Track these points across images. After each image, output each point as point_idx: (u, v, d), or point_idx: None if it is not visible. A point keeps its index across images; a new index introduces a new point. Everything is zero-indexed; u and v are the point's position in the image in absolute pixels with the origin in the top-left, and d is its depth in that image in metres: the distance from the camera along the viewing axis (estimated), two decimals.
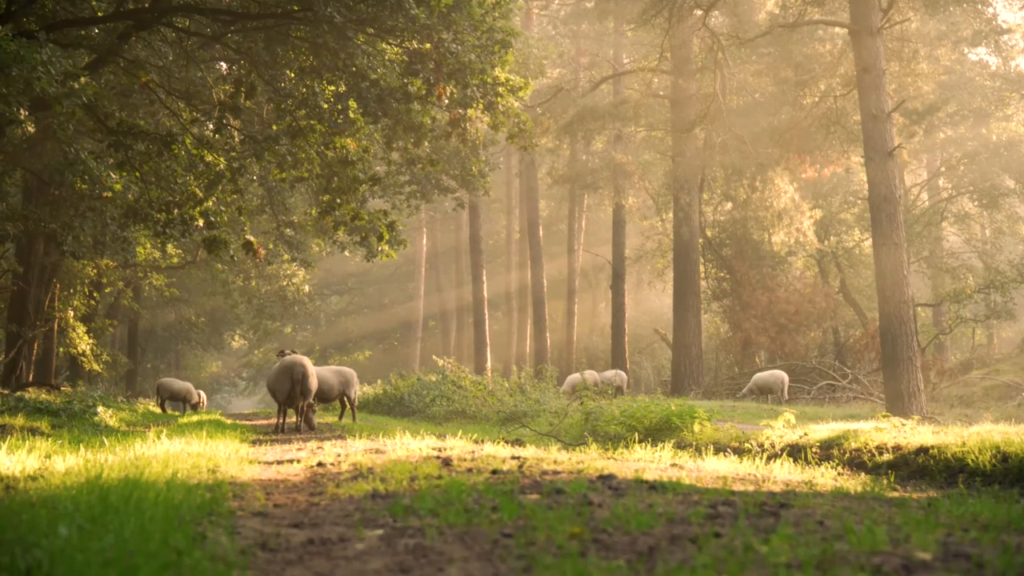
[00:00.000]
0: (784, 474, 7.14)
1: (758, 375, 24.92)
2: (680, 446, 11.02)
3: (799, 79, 25.62)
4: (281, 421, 13.68)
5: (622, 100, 31.28)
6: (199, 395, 26.44)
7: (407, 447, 7.98)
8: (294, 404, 13.48)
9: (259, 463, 7.25)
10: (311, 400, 13.52)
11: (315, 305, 47.56)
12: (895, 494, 6.52)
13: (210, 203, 15.20)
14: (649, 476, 5.78)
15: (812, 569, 3.11)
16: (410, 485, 5.37)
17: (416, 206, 26.49)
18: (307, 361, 13.55)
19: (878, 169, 18.73)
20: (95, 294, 27.90)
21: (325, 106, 14.40)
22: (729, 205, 32.54)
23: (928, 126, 31.30)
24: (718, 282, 33.26)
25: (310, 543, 3.78)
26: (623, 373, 29.53)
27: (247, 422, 17.67)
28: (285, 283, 37.11)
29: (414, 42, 13.92)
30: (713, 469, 6.87)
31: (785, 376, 24.24)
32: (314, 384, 13.49)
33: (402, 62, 14.35)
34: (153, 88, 15.19)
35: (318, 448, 8.75)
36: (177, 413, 24.07)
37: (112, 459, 6.80)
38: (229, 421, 17.80)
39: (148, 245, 27.36)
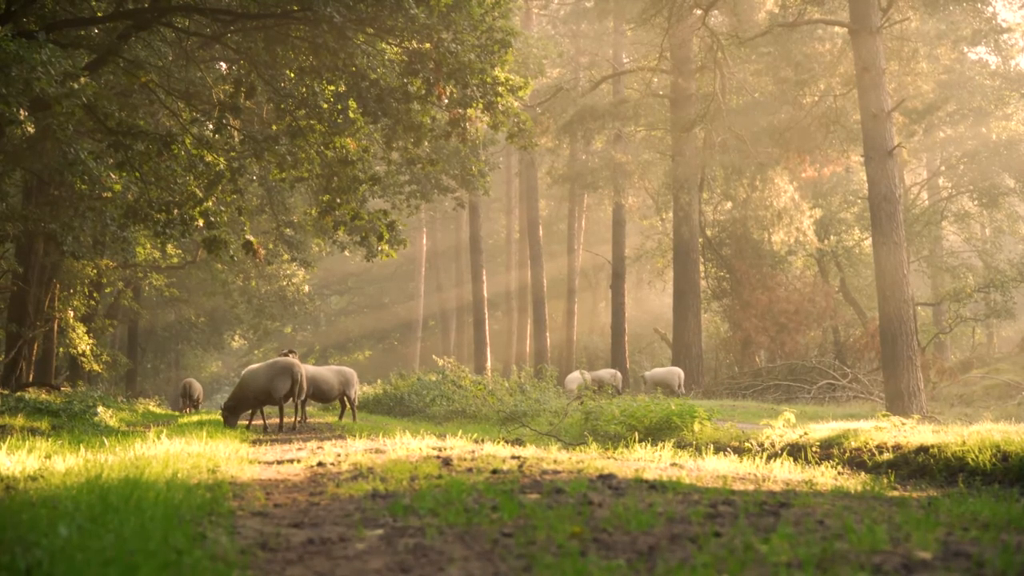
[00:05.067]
0: (784, 473, 7.14)
1: (655, 371, 26.47)
2: (680, 445, 11.01)
3: (799, 78, 25.60)
4: (285, 420, 14.03)
5: (622, 100, 31.26)
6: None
7: (407, 447, 7.97)
8: (284, 401, 13.77)
9: (259, 463, 7.26)
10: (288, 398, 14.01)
11: (315, 305, 47.55)
12: (895, 493, 6.52)
13: (210, 203, 15.20)
14: (649, 475, 5.78)
15: (812, 568, 3.11)
16: (410, 485, 5.37)
17: (416, 206, 26.50)
18: (296, 361, 13.97)
19: (878, 168, 18.73)
20: (95, 294, 27.90)
21: (325, 106, 14.39)
22: (729, 204, 32.54)
23: (928, 125, 31.27)
24: (718, 281, 33.25)
25: (310, 543, 3.78)
26: (618, 372, 29.54)
27: (246, 421, 17.65)
28: (285, 283, 37.12)
29: (414, 42, 13.90)
30: (713, 468, 6.87)
31: (680, 372, 25.47)
32: (303, 384, 13.88)
33: (402, 62, 14.33)
34: (153, 88, 15.18)
35: (318, 448, 8.75)
36: (178, 413, 24.16)
37: (112, 459, 6.81)
38: None
39: (148, 245, 27.36)
